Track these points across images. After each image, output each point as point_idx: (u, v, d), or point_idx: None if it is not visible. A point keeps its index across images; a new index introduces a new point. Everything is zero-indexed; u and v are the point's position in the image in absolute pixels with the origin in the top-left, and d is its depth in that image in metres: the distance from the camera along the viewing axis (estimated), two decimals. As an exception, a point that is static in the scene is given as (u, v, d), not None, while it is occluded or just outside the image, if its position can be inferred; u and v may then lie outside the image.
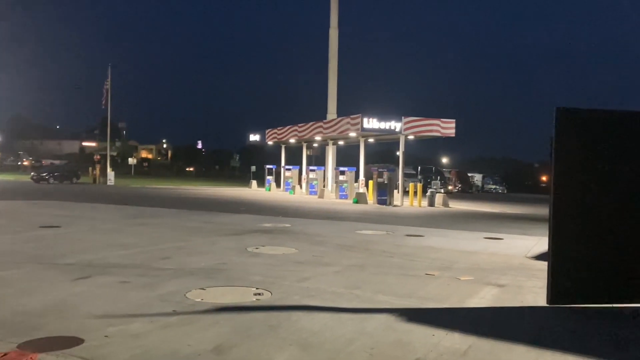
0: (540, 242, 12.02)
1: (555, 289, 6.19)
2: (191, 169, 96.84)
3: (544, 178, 65.23)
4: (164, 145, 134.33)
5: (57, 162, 63.74)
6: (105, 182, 43.26)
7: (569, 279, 6.18)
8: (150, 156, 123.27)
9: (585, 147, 6.21)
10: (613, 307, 6.22)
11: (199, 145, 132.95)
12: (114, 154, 73.24)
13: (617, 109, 6.37)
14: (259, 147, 53.68)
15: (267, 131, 40.08)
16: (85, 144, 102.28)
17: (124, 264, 8.00)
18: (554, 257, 6.17)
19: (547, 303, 6.23)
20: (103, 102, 44.07)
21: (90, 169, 48.14)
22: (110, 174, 44.15)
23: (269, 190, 38.87)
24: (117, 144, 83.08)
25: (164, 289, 6.46)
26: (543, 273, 7.12)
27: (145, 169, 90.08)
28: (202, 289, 6.53)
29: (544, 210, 21.15)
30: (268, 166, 40.38)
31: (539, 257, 9.95)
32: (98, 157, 54.02)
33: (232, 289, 6.62)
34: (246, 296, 6.26)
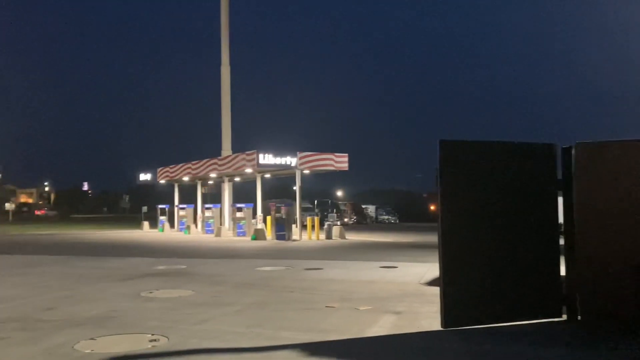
0: (432, 269, 12.54)
1: (448, 313, 6.47)
2: (51, 212, 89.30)
3: (432, 207, 68.53)
4: (46, 189, 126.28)
5: None
6: (-21, 231, 39.64)
7: (460, 303, 6.49)
8: (30, 200, 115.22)
9: (467, 176, 6.64)
10: (502, 326, 6.60)
11: (85, 187, 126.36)
12: (-12, 199, 67.40)
13: (495, 140, 6.90)
14: (150, 186, 51.81)
15: (158, 170, 38.85)
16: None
17: (2, 319, 7.30)
18: (445, 282, 6.46)
19: (442, 327, 6.49)
20: None
21: (-40, 217, 43.95)
22: (-16, 221, 40.56)
23: (162, 231, 37.47)
24: (-8, 188, 76.62)
25: (49, 342, 5.97)
26: (436, 298, 7.42)
27: (25, 215, 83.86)
28: (93, 339, 6.11)
29: (433, 238, 22.17)
30: (160, 206, 39.00)
31: (432, 282, 10.37)
32: (-31, 203, 49.52)
33: (126, 336, 6.26)
34: (141, 343, 5.94)
